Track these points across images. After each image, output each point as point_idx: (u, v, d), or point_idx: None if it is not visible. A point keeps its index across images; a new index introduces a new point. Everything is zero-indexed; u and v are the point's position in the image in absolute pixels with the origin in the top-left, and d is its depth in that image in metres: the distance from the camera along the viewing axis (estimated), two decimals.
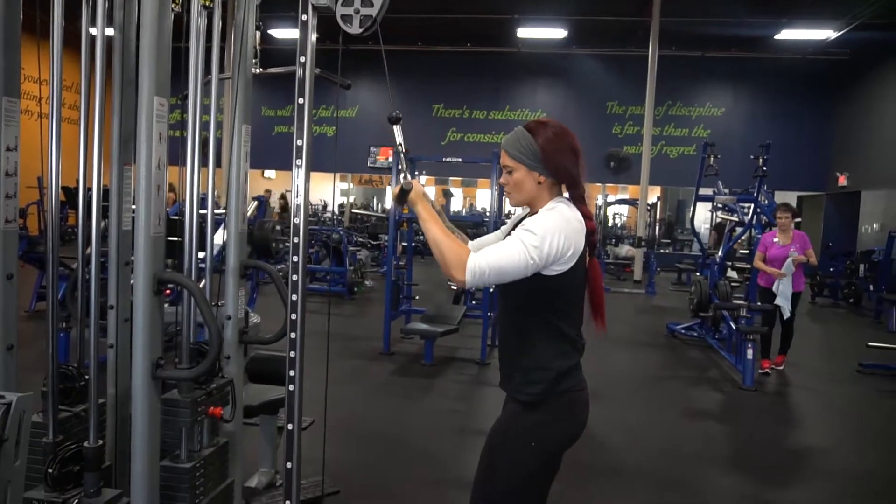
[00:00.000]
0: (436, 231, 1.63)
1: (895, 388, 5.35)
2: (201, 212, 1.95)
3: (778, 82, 15.50)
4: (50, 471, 1.61)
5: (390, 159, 16.80)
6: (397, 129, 1.98)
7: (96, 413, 1.67)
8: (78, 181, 1.68)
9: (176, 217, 5.50)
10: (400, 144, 1.95)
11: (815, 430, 4.40)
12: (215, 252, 5.51)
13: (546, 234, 1.57)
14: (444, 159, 6.16)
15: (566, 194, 1.75)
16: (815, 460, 3.79)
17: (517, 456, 1.68)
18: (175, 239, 2.04)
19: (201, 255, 1.98)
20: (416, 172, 1.74)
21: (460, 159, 6.78)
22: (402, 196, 1.75)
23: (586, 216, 1.69)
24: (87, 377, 1.90)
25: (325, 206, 19.69)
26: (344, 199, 20.62)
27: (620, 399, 4.69)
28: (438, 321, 5.79)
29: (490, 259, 1.56)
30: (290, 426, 1.80)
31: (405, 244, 6.97)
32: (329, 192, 20.34)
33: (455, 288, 7.67)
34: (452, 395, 4.69)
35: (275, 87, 15.83)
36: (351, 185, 21.31)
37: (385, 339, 5.71)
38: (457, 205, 19.32)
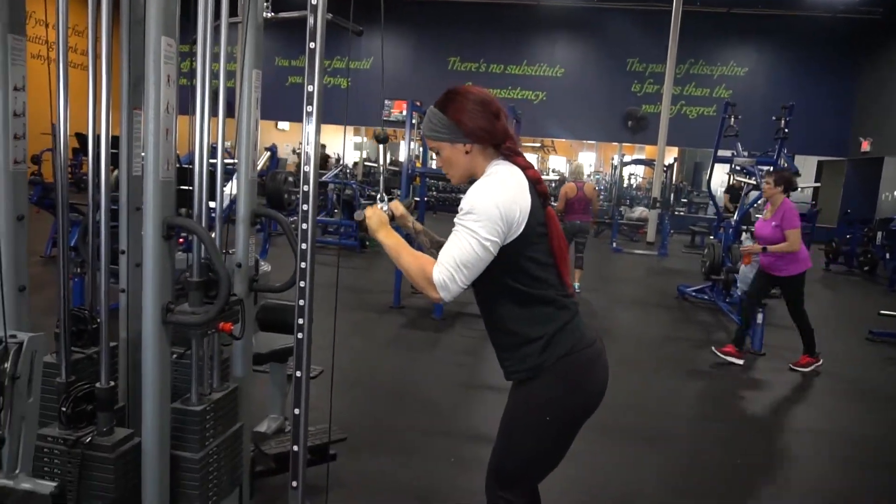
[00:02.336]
0: (400, 256, 1.59)
1: None
2: (212, 161, 1.93)
3: (804, 42, 15.01)
4: (63, 409, 1.65)
5: (405, 112, 16.64)
6: (382, 149, 1.94)
7: (108, 355, 1.69)
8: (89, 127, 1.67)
9: (188, 166, 5.50)
10: (383, 164, 1.91)
11: (818, 396, 4.41)
12: (226, 203, 5.47)
13: (484, 207, 1.49)
14: None
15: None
16: (817, 424, 3.81)
17: (533, 433, 1.62)
18: (187, 188, 2.03)
19: (212, 204, 1.97)
20: (381, 195, 1.66)
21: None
22: (362, 225, 1.70)
23: (525, 167, 1.61)
24: (98, 321, 1.92)
25: (338, 160, 19.60)
26: (357, 153, 20.48)
27: (626, 359, 4.71)
28: (420, 235, 5.79)
29: (449, 264, 1.49)
30: (298, 373, 1.82)
31: (417, 199, 6.93)
32: (342, 145, 20.20)
33: None
34: (460, 349, 4.74)
35: (289, 36, 15.59)
36: (364, 139, 21.12)
37: (395, 292, 5.74)
38: None
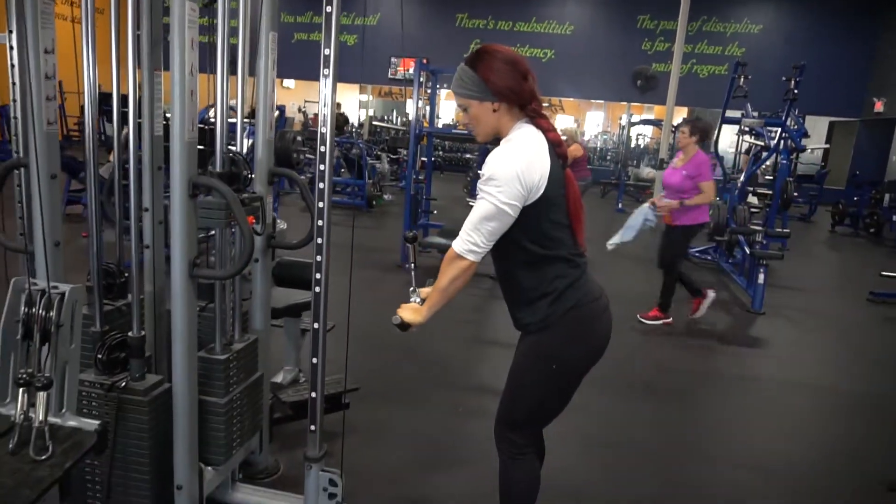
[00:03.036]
0: (439, 292, 1.71)
1: None
2: (230, 120, 1.99)
3: None
4: (99, 356, 1.77)
5: (412, 70, 16.46)
6: (411, 249, 2.00)
7: (138, 306, 1.80)
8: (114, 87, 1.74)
9: (202, 126, 5.55)
10: (412, 264, 1.98)
11: (816, 353, 4.53)
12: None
13: (505, 171, 1.56)
14: None
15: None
16: (813, 379, 3.93)
17: (541, 380, 1.74)
18: (202, 147, 2.09)
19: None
20: (413, 289, 1.76)
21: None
22: (405, 328, 1.77)
23: (547, 129, 1.67)
24: (126, 275, 2.04)
25: (346, 120, 19.50)
26: (363, 112, 20.31)
27: (627, 316, 4.83)
28: (456, 236, 5.88)
29: (468, 226, 1.60)
30: (315, 325, 1.93)
31: (424, 159, 6.97)
32: (348, 103, 20.04)
33: (473, 204, 7.73)
34: (466, 307, 4.86)
35: None
36: (370, 98, 20.94)
37: (402, 251, 5.84)
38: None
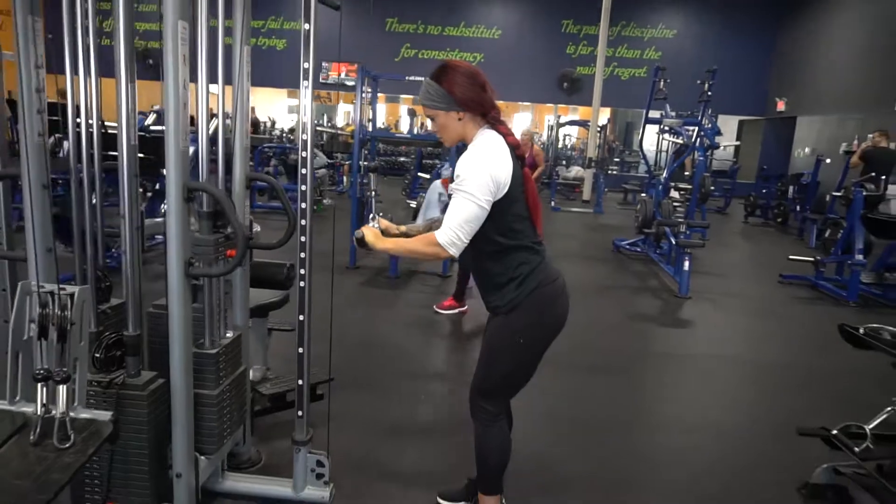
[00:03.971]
0: (405, 247, 1.93)
1: (808, 296, 6.04)
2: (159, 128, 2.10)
3: (726, 6, 15.74)
4: (97, 355, 1.86)
5: (343, 75, 16.46)
6: (372, 177, 2.20)
7: (134, 306, 1.90)
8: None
9: (143, 133, 5.47)
10: (374, 191, 2.17)
11: (738, 330, 5.00)
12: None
13: (478, 173, 1.79)
14: (407, 78, 6.21)
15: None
16: (739, 353, 4.37)
17: (510, 354, 1.97)
18: (148, 157, 2.17)
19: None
20: (373, 215, 2.00)
21: (423, 79, 6.83)
22: (361, 243, 2.00)
23: (506, 134, 1.92)
24: (109, 280, 2.12)
25: (273, 123, 19.27)
26: (293, 117, 20.08)
27: (573, 305, 5.14)
28: (401, 237, 6.06)
29: (453, 224, 1.81)
30: (301, 317, 2.09)
31: (366, 163, 7.11)
32: (277, 108, 19.80)
33: (414, 206, 7.93)
34: (418, 303, 5.06)
35: None
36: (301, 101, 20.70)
37: (351, 253, 5.98)
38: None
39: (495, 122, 1.92)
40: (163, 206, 5.67)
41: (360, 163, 6.16)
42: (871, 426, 2.34)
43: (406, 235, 2.14)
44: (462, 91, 1.85)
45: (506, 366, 1.97)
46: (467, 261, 2.02)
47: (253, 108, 19.10)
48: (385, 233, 2.07)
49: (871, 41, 11.65)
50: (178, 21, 1.71)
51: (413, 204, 8.23)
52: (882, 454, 2.24)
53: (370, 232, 2.00)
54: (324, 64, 15.86)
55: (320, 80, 15.99)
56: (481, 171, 1.80)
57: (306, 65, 1.95)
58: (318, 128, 13.32)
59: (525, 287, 1.90)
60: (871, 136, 8.34)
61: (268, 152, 11.19)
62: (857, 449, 2.27)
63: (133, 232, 2.03)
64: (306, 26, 1.92)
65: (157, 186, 5.60)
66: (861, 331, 2.38)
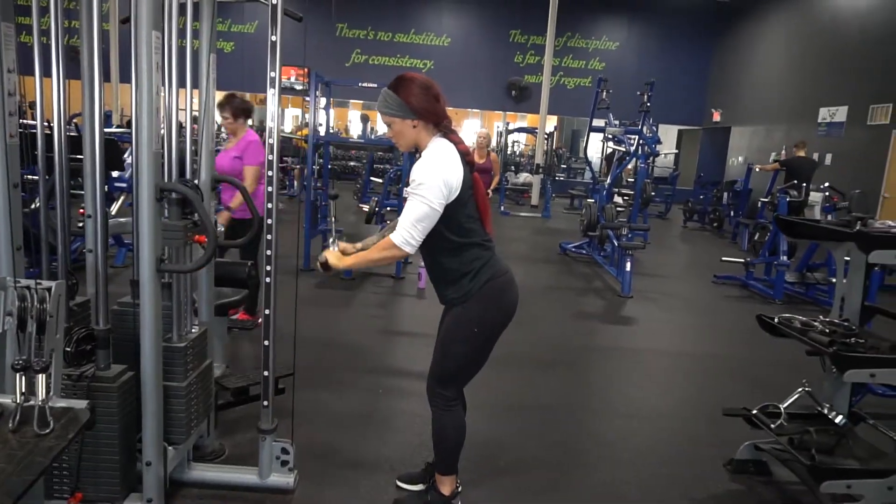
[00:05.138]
0: (366, 258, 2.10)
1: (737, 295, 6.45)
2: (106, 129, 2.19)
3: (666, 21, 16.49)
4: (67, 349, 1.93)
5: (293, 79, 16.37)
6: (332, 204, 2.36)
7: (104, 301, 1.97)
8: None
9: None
10: (333, 217, 2.33)
11: (676, 326, 5.32)
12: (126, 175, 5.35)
13: (432, 178, 1.96)
14: (360, 84, 6.33)
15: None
16: (676, 346, 4.67)
17: (466, 341, 2.13)
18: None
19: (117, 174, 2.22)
20: (333, 239, 2.16)
21: (376, 85, 6.96)
22: (326, 267, 2.14)
23: (457, 143, 2.10)
24: (76, 278, 2.19)
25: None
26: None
27: (523, 305, 5.36)
28: (355, 240, 6.16)
29: (405, 225, 1.98)
30: (267, 311, 2.20)
31: (317, 166, 7.17)
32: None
33: (367, 210, 8.03)
34: (372, 304, 5.18)
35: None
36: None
37: (305, 256, 6.04)
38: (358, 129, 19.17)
39: (447, 132, 2.09)
40: (113, 206, 5.59)
41: (314, 167, 6.24)
42: (784, 405, 2.61)
43: (372, 241, 2.28)
44: (417, 101, 2.01)
45: (461, 353, 2.14)
46: (424, 258, 2.18)
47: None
48: (344, 253, 2.19)
49: (797, 58, 12.45)
50: (151, 31, 1.81)
51: (365, 208, 8.33)
52: (794, 430, 2.51)
53: (332, 255, 2.14)
54: None
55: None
56: (435, 176, 1.96)
57: (273, 73, 2.07)
58: (285, 134, 13.22)
59: (478, 279, 2.07)
60: (793, 147, 8.99)
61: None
62: (772, 426, 2.53)
63: (101, 230, 2.11)
64: (273, 38, 2.05)
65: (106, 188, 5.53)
66: (776, 320, 2.66)
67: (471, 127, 21.49)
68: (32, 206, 3.40)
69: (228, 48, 15.86)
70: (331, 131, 17.30)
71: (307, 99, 7.28)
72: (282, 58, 2.07)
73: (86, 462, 1.97)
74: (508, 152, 16.84)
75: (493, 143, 17.17)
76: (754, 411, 2.62)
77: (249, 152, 3.92)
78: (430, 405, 2.22)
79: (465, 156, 2.09)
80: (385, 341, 4.32)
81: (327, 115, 7.34)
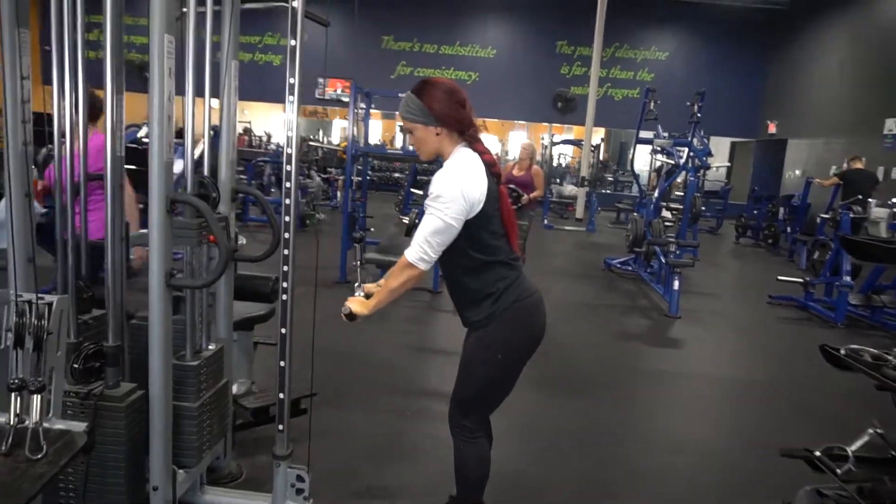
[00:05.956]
0: (388, 289, 1.95)
1: (793, 316, 6.06)
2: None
3: (719, 30, 15.98)
4: (75, 366, 1.86)
5: (339, 91, 16.57)
6: (358, 248, 2.26)
7: (114, 316, 1.90)
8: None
9: (136, 145, 5.47)
10: (359, 261, 2.24)
11: (726, 350, 5.01)
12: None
13: (450, 191, 1.81)
14: (400, 95, 6.25)
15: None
16: (726, 372, 4.37)
17: (489, 367, 1.96)
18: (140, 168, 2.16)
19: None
20: (358, 284, 2.05)
21: (406, 92, 6.89)
22: (351, 317, 2.02)
23: (482, 152, 1.94)
24: (92, 291, 2.12)
25: (269, 138, 19.37)
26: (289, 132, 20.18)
27: (561, 323, 5.17)
28: (392, 252, 6.07)
29: (418, 240, 1.83)
30: (283, 330, 2.09)
31: (359, 178, 7.13)
32: (274, 123, 19.91)
33: (406, 221, 7.95)
34: (407, 318, 5.05)
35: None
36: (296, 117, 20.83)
37: (341, 268, 5.98)
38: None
39: (472, 140, 1.94)
40: None
41: (352, 178, 6.19)
42: (853, 448, 2.33)
43: None
44: (441, 107, 1.88)
45: (484, 381, 1.97)
46: (445, 277, 2.03)
47: (249, 123, 19.24)
48: (369, 296, 2.07)
49: (860, 67, 11.84)
50: (164, 35, 1.73)
51: (405, 220, 8.25)
52: (864, 476, 2.23)
53: (356, 303, 2.01)
54: (319, 80, 15.99)
55: (315, 96, 16.12)
56: (453, 189, 1.82)
57: (292, 80, 1.97)
58: (313, 143, 13.38)
59: (502, 302, 1.91)
60: (849, 160, 8.56)
61: (262, 166, 11.24)
62: (839, 471, 2.26)
63: (117, 242, 2.05)
64: (292, 42, 1.95)
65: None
66: (842, 352, 2.39)
67: (516, 139, 21.33)
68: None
69: (277, 61, 16.14)
70: (377, 143, 17.49)
71: (360, 110, 7.27)
72: (330, 69, 1.96)
73: (92, 483, 1.88)
74: (554, 164, 16.60)
75: (538, 156, 16.91)
76: (817, 453, 2.35)
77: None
78: (451, 435, 2.06)
79: (491, 167, 1.94)
80: (418, 359, 4.18)
81: (366, 126, 7.30)
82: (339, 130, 21.29)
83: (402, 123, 2.00)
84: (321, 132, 22.54)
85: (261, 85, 13.99)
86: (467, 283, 1.94)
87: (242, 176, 10.77)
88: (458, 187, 1.82)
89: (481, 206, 1.85)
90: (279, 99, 1.98)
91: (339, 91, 16.03)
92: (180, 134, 2.28)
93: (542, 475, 2.75)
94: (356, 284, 2.14)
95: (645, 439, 3.22)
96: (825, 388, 3.99)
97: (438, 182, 1.84)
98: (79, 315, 2.06)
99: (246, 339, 3.17)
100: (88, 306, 2.14)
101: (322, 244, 8.06)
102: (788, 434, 3.30)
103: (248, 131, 18.83)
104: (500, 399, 2.03)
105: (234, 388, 3.11)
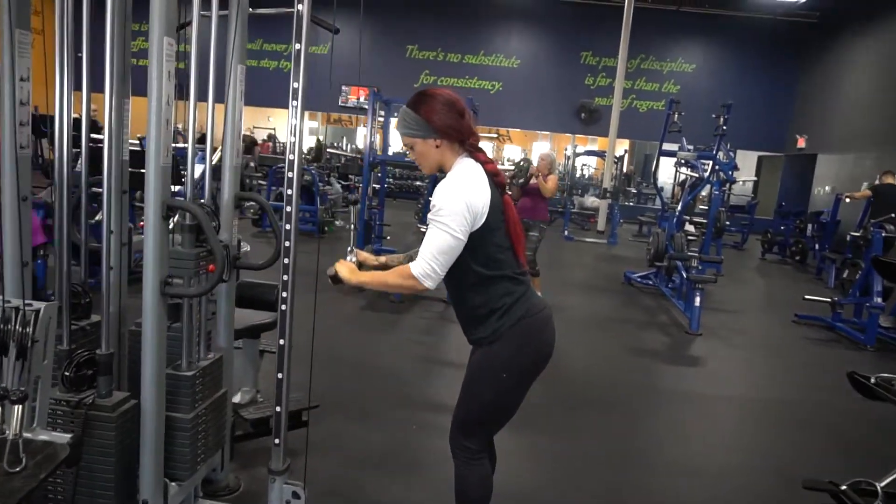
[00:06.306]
0: (381, 280, 1.87)
1: (821, 337, 5.84)
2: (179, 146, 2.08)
3: (747, 42, 15.74)
4: (66, 374, 1.81)
5: (362, 98, 16.64)
6: (353, 211, 2.18)
7: (108, 323, 1.85)
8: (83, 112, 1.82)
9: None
10: (353, 224, 2.15)
11: (748, 370, 4.83)
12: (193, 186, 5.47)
13: (453, 203, 1.73)
14: None
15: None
16: (742, 393, 4.21)
17: (493, 387, 1.87)
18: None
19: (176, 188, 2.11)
20: (350, 248, 1.99)
21: (402, 107, 6.85)
22: (336, 280, 1.93)
23: (484, 162, 1.86)
24: (90, 296, 2.08)
25: (254, 142, 19.47)
26: (314, 139, 20.35)
27: (576, 337, 5.05)
28: (408, 261, 6.01)
29: (426, 256, 1.75)
30: (281, 341, 2.03)
31: (377, 186, 7.10)
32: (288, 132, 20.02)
33: (424, 231, 7.88)
34: (419, 329, 4.97)
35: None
36: (320, 125, 20.99)
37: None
38: None
39: (473, 150, 1.87)
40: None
41: (371, 185, 6.15)
42: (882, 484, 2.20)
43: (385, 267, 2.06)
44: (440, 118, 1.81)
45: (488, 401, 1.88)
46: (448, 291, 1.95)
47: (250, 129, 19.37)
48: (363, 265, 2.00)
49: (891, 80, 11.52)
50: (164, 38, 1.69)
51: (423, 228, 8.20)
52: None
53: (344, 267, 1.93)
54: (343, 87, 16.09)
55: (339, 104, 16.22)
56: (457, 201, 1.74)
57: (296, 85, 1.92)
58: (333, 150, 13.42)
59: (509, 318, 1.82)
60: (881, 175, 8.32)
61: (283, 172, 11.26)
62: None
63: (117, 247, 2.01)
64: (297, 46, 1.90)
65: None
66: (872, 380, 2.26)
67: (539, 150, 21.21)
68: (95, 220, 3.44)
69: None
70: (399, 151, 17.52)
71: (380, 118, 7.24)
72: (354, 77, 1.91)
73: (81, 495, 1.83)
74: (577, 175, 16.44)
75: (560, 167, 16.71)
76: (843, 487, 2.22)
77: None
78: (452, 456, 1.97)
79: (494, 176, 1.86)
80: (426, 371, 4.10)
81: (385, 133, 7.28)
82: (363, 138, 21.38)
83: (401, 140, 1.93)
84: (345, 139, 22.68)
85: (285, 92, 14.10)
86: (471, 298, 1.86)
87: (263, 182, 10.83)
88: (461, 199, 1.75)
89: (485, 217, 1.77)
90: (306, 107, 1.93)
91: (362, 99, 16.10)
92: (202, 140, 2.25)
93: (550, 499, 2.64)
94: (348, 248, 2.09)
95: (660, 462, 3.09)
96: (854, 414, 3.81)
97: (441, 194, 1.77)
98: (76, 321, 2.03)
99: (252, 347, 3.12)
100: (87, 312, 2.11)
101: (339, 250, 8.02)
102: (812, 463, 3.14)
103: (272, 138, 18.99)
104: (504, 420, 1.94)
105: (238, 397, 3.06)
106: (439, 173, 1.94)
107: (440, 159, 1.87)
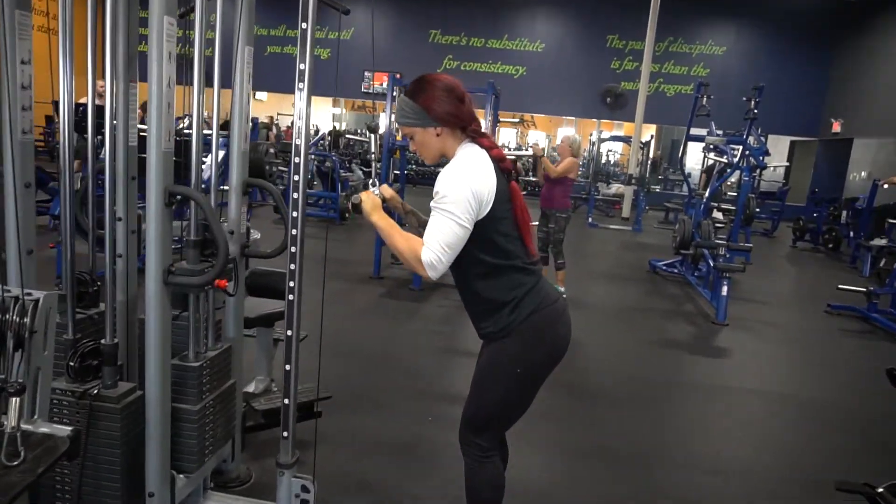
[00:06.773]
0: (393, 238, 1.75)
1: (856, 328, 5.64)
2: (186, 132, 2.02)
3: (780, 24, 15.22)
4: (71, 364, 1.78)
5: (385, 84, 16.55)
6: (374, 138, 2.10)
7: (112, 313, 1.81)
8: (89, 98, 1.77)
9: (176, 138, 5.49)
10: (374, 153, 2.06)
11: (777, 363, 4.68)
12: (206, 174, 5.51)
13: (457, 190, 1.65)
14: None
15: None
16: (772, 387, 4.07)
17: (505, 383, 1.80)
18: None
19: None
20: (373, 181, 1.89)
21: (399, 96, 6.74)
22: (356, 208, 1.86)
23: (489, 147, 1.77)
24: (98, 284, 2.05)
25: (316, 131, 19.55)
26: (335, 125, 20.35)
27: (597, 327, 4.94)
28: (397, 223, 5.93)
29: (434, 247, 1.65)
30: (289, 332, 1.97)
31: (397, 172, 7.02)
32: (321, 116, 20.06)
33: None
34: (437, 318, 4.91)
35: (267, 5, 15.35)
36: (343, 111, 20.97)
37: (375, 263, 5.88)
38: None
39: (476, 136, 1.78)
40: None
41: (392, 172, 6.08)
42: None
43: (414, 216, 2.03)
44: (439, 105, 1.73)
45: (499, 398, 1.81)
46: (456, 283, 1.87)
47: (271, 118, 19.39)
48: (387, 202, 1.93)
49: None
50: (164, 17, 1.62)
51: None
52: None
53: (369, 200, 1.86)
54: (366, 73, 15.99)
55: (362, 90, 16.14)
56: (461, 187, 1.66)
57: (302, 66, 1.84)
58: (352, 136, 13.37)
59: (521, 311, 1.74)
60: None
61: None
62: None
63: (125, 235, 1.96)
64: (304, 25, 1.82)
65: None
66: None
67: (564, 135, 20.92)
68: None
69: (325, 55, 16.23)
70: None
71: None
72: (378, 62, 1.83)
73: (87, 486, 1.81)
74: (602, 161, 16.16)
75: (585, 153, 16.35)
76: (880, 490, 2.10)
77: None
78: (462, 454, 1.90)
79: (500, 162, 1.76)
80: (444, 361, 4.03)
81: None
82: (385, 125, 21.33)
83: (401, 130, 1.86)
84: (379, 141, 22.58)
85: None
86: (481, 290, 1.78)
87: (284, 168, 10.83)
88: (466, 185, 1.66)
89: (490, 205, 1.69)
90: (328, 93, 1.86)
91: (384, 85, 16.00)
92: (226, 126, 2.20)
93: (568, 496, 2.56)
94: (370, 181, 2.00)
95: (683, 459, 2.98)
96: (891, 411, 3.65)
97: (444, 181, 1.68)
98: (84, 310, 2.00)
99: (266, 336, 3.09)
100: (94, 301, 2.08)
101: (359, 238, 8.01)
102: (845, 463, 3.01)
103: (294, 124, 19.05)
104: (516, 417, 1.86)
105: (252, 387, 3.04)
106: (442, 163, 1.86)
107: (441, 148, 1.79)
